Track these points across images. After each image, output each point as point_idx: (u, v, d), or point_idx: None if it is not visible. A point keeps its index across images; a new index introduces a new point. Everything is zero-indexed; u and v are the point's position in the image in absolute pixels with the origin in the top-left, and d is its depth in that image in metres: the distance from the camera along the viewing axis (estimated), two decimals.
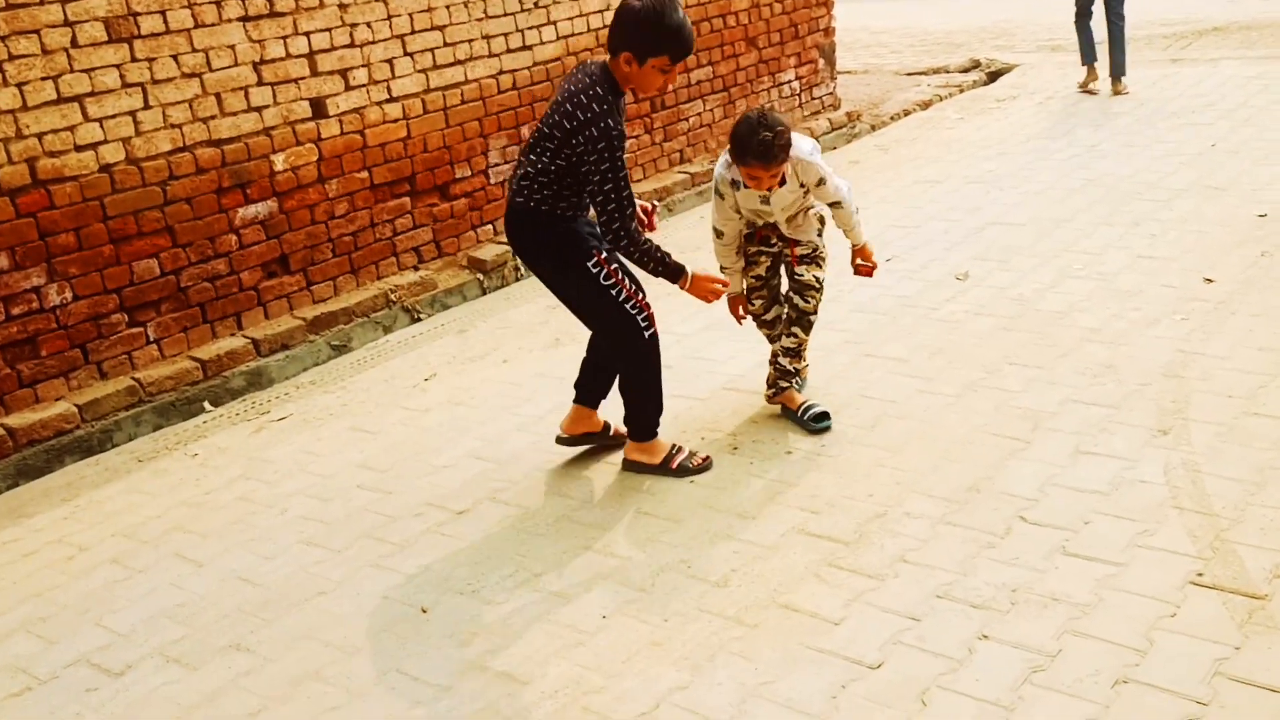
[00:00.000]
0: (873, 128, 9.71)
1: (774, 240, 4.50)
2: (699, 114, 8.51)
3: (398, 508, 4.23)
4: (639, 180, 8.10)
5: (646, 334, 4.08)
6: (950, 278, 5.82)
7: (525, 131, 7.27)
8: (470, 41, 6.90)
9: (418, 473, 4.48)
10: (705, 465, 4.24)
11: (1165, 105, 8.92)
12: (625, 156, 3.76)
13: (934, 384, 4.68)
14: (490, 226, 7.19)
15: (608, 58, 3.85)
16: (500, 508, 4.14)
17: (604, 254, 4.02)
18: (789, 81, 9.26)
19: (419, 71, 6.65)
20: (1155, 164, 7.39)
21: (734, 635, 3.26)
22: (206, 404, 5.50)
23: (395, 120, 6.56)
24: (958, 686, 2.95)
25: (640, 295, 4.08)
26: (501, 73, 7.11)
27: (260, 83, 5.92)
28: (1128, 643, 3.03)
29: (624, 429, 4.31)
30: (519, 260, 4.17)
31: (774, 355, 4.57)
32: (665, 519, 3.93)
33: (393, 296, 6.49)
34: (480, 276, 6.89)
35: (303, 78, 6.10)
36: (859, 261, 4.57)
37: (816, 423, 4.43)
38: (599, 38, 7.63)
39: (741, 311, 4.61)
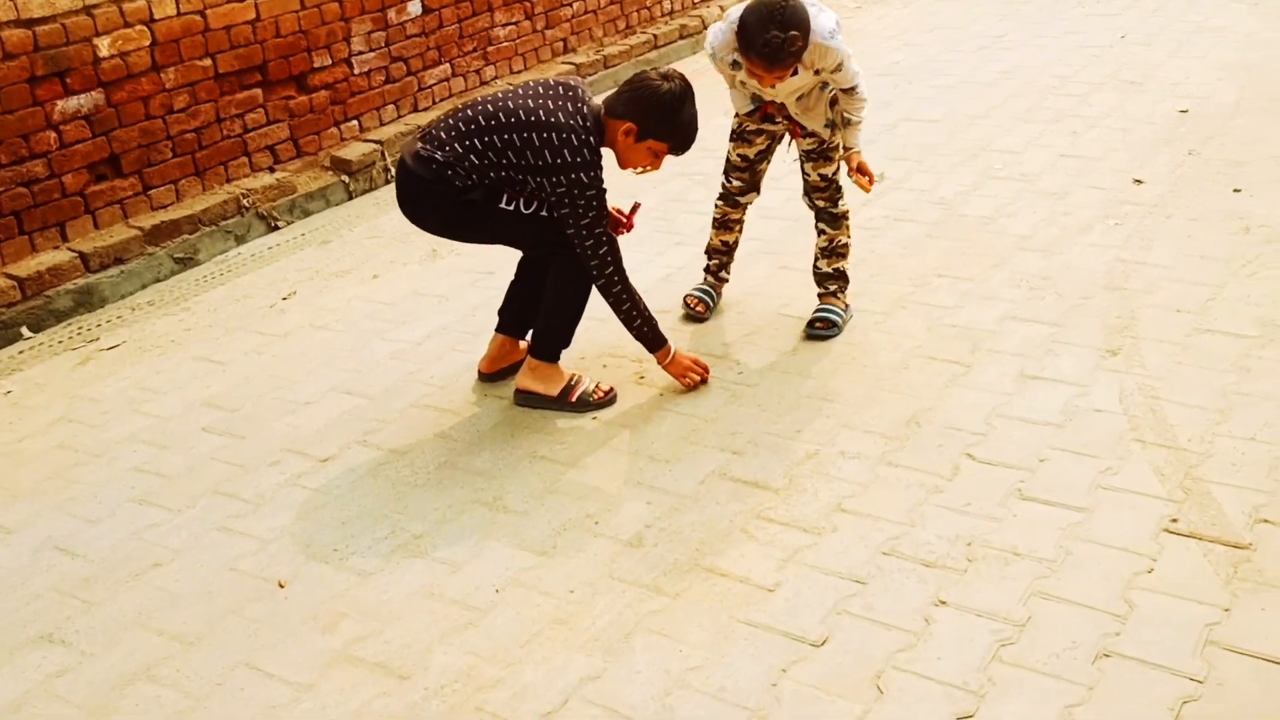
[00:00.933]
0: None
1: (779, 119, 3.96)
2: None
3: (251, 455, 3.61)
4: (519, 71, 7.40)
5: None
6: None
7: (393, 15, 6.51)
8: None
9: (275, 412, 3.86)
10: (608, 398, 3.72)
11: None
12: (606, 206, 3.49)
13: (859, 300, 4.21)
14: (355, 122, 6.44)
15: (601, 108, 3.52)
16: (372, 453, 3.56)
17: (512, 190, 3.53)
18: None
19: None
20: (1067, 56, 7.00)
21: (652, 609, 2.78)
22: (24, 329, 4.74)
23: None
24: (917, 666, 2.53)
25: None
26: None
27: None
28: (1105, 606, 2.65)
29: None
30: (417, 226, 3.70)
31: (815, 255, 4.14)
32: (565, 464, 3.41)
33: (245, 202, 5.74)
34: (345, 179, 6.17)
35: None
36: (854, 176, 3.92)
37: (810, 328, 4.01)
38: None
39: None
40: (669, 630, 2.70)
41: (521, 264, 3.88)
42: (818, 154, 3.94)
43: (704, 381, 3.74)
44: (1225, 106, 5.85)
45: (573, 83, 3.57)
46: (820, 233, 4.07)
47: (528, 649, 2.68)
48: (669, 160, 3.61)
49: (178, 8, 5.45)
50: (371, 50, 6.45)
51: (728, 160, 4.11)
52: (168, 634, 2.84)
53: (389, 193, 6.05)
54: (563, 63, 7.61)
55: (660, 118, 3.45)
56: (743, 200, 4.17)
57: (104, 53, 5.19)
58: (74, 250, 5.10)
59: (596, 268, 3.51)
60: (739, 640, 2.65)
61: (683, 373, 3.70)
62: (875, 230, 4.78)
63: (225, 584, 3.01)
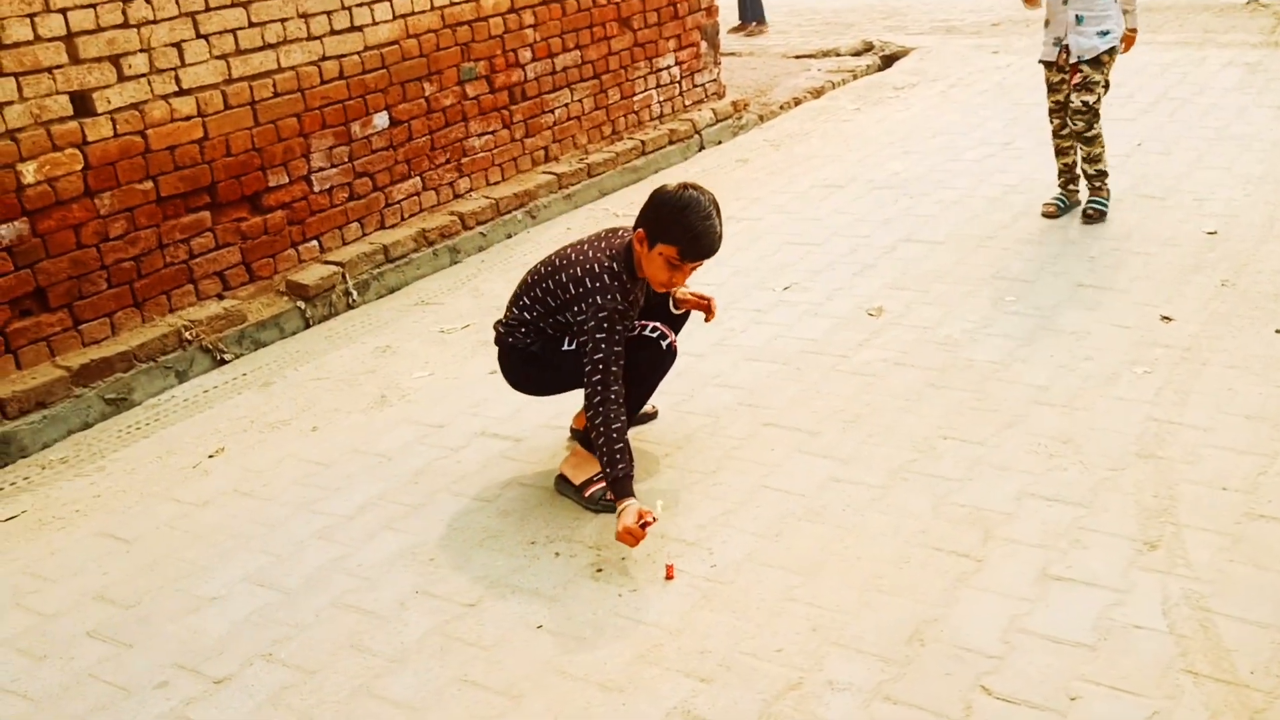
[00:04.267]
0: (761, 119, 8.73)
1: (1066, 68, 5.56)
2: (565, 105, 7.40)
3: (136, 672, 3.06)
4: (496, 183, 6.97)
5: (664, 344, 3.62)
6: (862, 313, 4.85)
7: (357, 129, 6.10)
8: (283, 21, 5.67)
9: (174, 609, 3.32)
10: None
11: None
12: (619, 337, 3.38)
13: (851, 468, 3.68)
14: (315, 243, 5.99)
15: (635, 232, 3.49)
16: (276, 672, 3.01)
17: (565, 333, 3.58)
18: (668, 67, 8.21)
19: (217, 58, 5.41)
20: None
21: None
22: None
23: (187, 118, 5.31)
24: None
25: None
26: (324, 59, 5.90)
27: (0, 73, 4.64)
28: None
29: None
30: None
31: (1077, 161, 5.83)
32: (499, 693, 2.85)
33: (188, 334, 5.26)
34: (301, 304, 5.70)
35: (59, 66, 4.83)
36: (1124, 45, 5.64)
37: (1085, 216, 5.67)
38: (444, 17, 6.47)
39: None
40: None
41: None
42: (1082, 86, 5.49)
43: (639, 540, 3.26)
44: (1256, 227, 5.36)
45: (620, 227, 3.64)
46: (1078, 149, 5.71)
47: None
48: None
49: (115, 129, 5.03)
50: (333, 166, 6.03)
51: (1049, 110, 5.76)
52: None
53: (346, 322, 5.58)
54: (543, 172, 7.19)
55: (662, 215, 3.34)
56: (1063, 133, 5.74)
57: (29, 179, 4.76)
58: None
59: (588, 398, 3.37)
60: None
61: (625, 532, 3.23)
62: (871, 378, 4.26)
63: None
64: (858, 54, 10.69)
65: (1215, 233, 5.35)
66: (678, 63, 8.28)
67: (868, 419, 3.97)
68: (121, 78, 5.05)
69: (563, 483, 3.70)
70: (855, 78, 9.80)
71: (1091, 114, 5.49)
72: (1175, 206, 5.74)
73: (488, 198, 6.79)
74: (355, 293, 5.91)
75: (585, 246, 3.53)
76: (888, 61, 10.36)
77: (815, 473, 3.67)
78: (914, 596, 3.03)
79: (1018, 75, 8.99)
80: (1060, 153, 5.80)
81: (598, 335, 3.33)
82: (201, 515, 3.84)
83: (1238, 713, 2.54)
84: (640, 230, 3.39)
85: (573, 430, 4.03)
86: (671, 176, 7.43)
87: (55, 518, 3.93)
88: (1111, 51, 5.44)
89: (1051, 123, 5.76)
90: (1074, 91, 5.48)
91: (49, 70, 4.80)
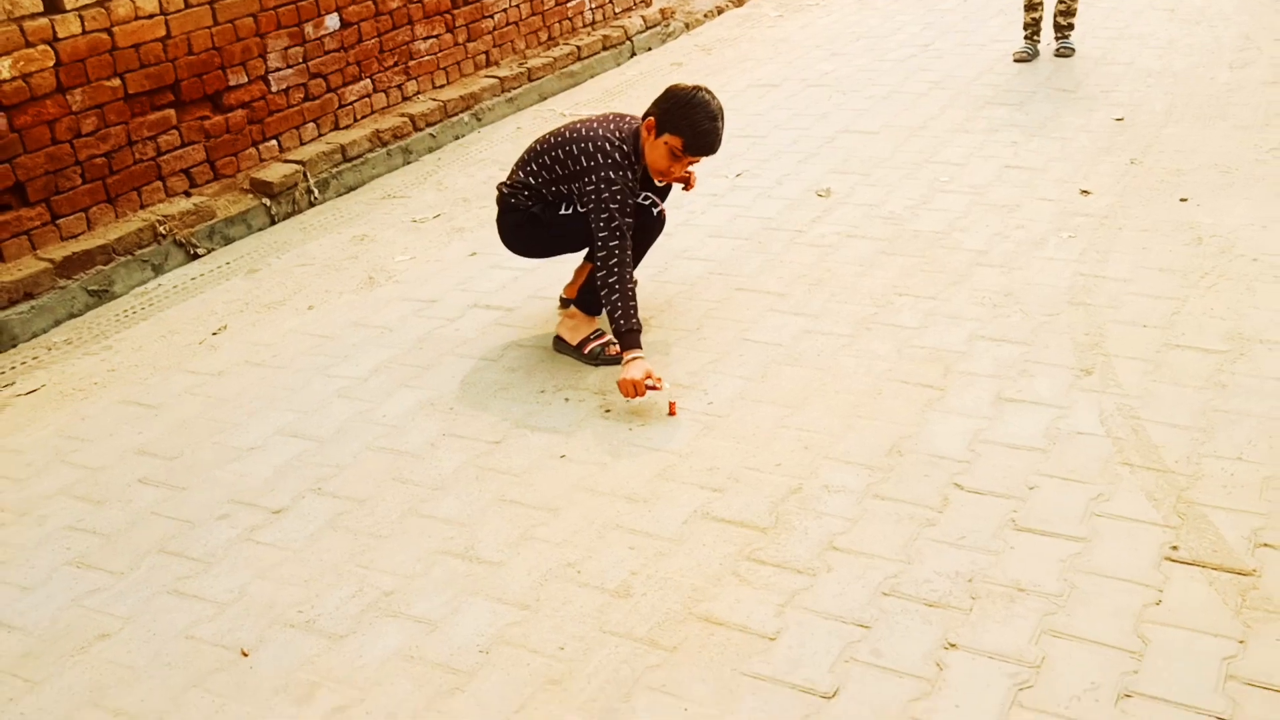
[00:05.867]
0: (687, 26, 9.02)
1: None
2: (504, 10, 7.61)
3: (195, 508, 3.37)
4: (441, 86, 7.18)
5: (654, 211, 3.95)
6: (811, 194, 5.26)
7: (310, 30, 6.25)
8: None
9: (216, 459, 3.62)
10: (619, 356, 3.78)
11: (990, 1, 8.59)
12: (629, 208, 3.71)
13: (821, 322, 4.11)
14: (275, 142, 6.16)
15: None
16: (328, 502, 3.34)
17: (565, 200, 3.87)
18: None
19: None
20: (997, 65, 7.02)
21: (650, 664, 2.63)
22: None
23: (150, 16, 5.43)
24: (936, 716, 2.42)
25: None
26: None
27: None
28: (1118, 643, 2.57)
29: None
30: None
31: (1054, 15, 7.09)
32: (537, 508, 3.23)
33: (162, 229, 5.44)
34: (266, 201, 5.89)
35: None
36: None
37: (1058, 55, 7.02)
38: None
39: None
40: (670, 687, 2.55)
41: None
42: None
43: (638, 394, 3.60)
44: (1157, 114, 5.91)
45: (627, 113, 3.90)
46: (1053, 4, 7.13)
47: (523, 714, 2.51)
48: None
49: (83, 26, 5.14)
50: (289, 67, 6.19)
51: None
52: (125, 714, 2.60)
53: (314, 216, 5.80)
54: (486, 76, 7.41)
55: (673, 108, 3.63)
56: None
57: (5, 75, 4.87)
58: None
59: (602, 259, 3.67)
60: (746, 695, 2.51)
61: (630, 383, 3.58)
62: (828, 248, 4.69)
63: (183, 654, 2.77)
64: None
65: (1122, 119, 5.88)
66: None
67: (829, 282, 4.40)
68: None
69: (560, 343, 4.05)
70: None
71: None
72: (1085, 98, 6.26)
73: (435, 100, 7.00)
74: (316, 191, 6.12)
75: (595, 125, 3.78)
76: None
77: (789, 327, 4.09)
78: (889, 419, 3.49)
79: None
80: (1030, 8, 6.95)
81: (611, 205, 3.64)
82: (219, 383, 4.11)
83: (1166, 492, 3.05)
84: (650, 119, 3.68)
85: (562, 299, 4.37)
86: (608, 81, 7.72)
87: (75, 390, 4.16)
88: None
89: None
90: None
91: None
